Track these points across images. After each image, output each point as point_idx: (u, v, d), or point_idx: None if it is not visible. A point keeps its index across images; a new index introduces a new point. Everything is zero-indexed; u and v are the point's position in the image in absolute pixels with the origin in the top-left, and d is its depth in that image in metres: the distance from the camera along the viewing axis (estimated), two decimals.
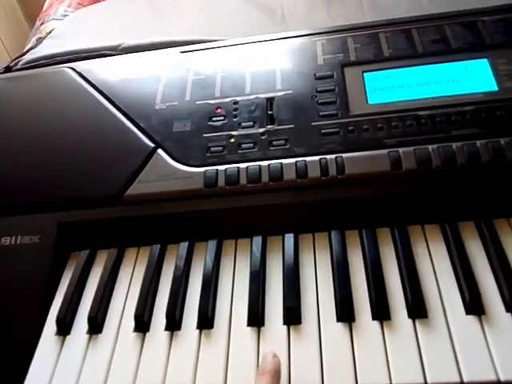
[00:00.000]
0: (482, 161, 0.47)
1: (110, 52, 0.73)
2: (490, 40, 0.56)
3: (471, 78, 0.54)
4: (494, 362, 0.38)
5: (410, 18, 0.62)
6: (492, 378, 0.37)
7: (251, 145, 0.53)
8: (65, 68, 0.66)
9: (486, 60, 0.55)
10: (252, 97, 0.57)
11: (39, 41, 0.88)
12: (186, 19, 0.95)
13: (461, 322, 0.41)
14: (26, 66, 0.73)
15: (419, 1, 0.85)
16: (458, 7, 0.78)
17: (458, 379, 0.37)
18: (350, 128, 0.52)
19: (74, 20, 0.98)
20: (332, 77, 0.56)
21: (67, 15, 1.07)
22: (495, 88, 0.52)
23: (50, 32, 0.91)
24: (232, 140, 0.53)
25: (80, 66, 0.67)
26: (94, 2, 1.16)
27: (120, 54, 0.72)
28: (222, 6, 0.98)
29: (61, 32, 0.92)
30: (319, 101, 0.55)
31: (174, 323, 0.45)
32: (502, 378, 0.37)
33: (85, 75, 0.64)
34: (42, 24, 1.11)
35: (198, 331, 0.44)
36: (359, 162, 0.49)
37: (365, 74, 0.56)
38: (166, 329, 0.45)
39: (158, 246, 0.51)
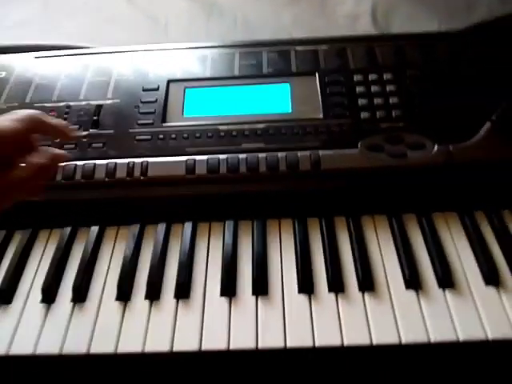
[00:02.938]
0: (260, 171, 0.56)
1: None
2: (296, 67, 0.66)
3: (272, 99, 0.63)
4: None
5: (236, 42, 0.71)
6: (424, 339, 0.45)
7: (73, 145, 0.59)
8: None
9: (287, 84, 0.64)
10: (84, 103, 0.63)
11: None
12: (73, 23, 1.00)
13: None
14: None
15: (283, 23, 0.95)
16: (318, 33, 0.89)
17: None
18: (160, 136, 0.60)
19: None
20: (157, 90, 0.64)
21: None
22: (289, 110, 0.62)
23: None
24: (56, 140, 0.60)
25: None
26: None
27: None
28: (111, 11, 1.04)
29: None
30: (140, 110, 0.62)
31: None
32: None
33: None
34: None
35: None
36: (160, 166, 0.57)
37: (186, 89, 0.64)
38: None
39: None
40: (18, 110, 0.44)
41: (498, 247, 0.53)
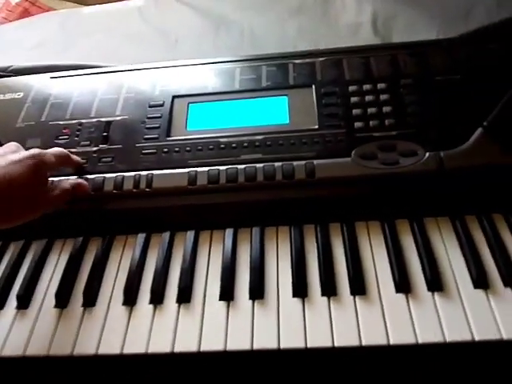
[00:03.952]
0: (257, 181, 0.59)
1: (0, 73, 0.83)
2: (294, 80, 0.69)
3: (271, 111, 0.66)
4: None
5: (237, 57, 0.74)
6: (412, 340, 0.48)
7: (84, 160, 0.64)
8: None
9: (285, 97, 0.67)
10: (94, 120, 0.68)
11: None
12: (90, 41, 1.06)
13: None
14: None
15: (287, 35, 0.98)
16: (321, 42, 0.92)
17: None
18: (164, 150, 0.63)
19: None
20: (162, 105, 0.68)
21: None
22: (287, 121, 0.64)
23: None
24: None
25: None
26: (20, 18, 1.27)
27: (9, 76, 0.83)
28: (126, 29, 1.09)
29: None
30: (147, 126, 0.66)
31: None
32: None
33: None
34: None
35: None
36: (164, 178, 0.61)
37: (190, 104, 0.68)
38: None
39: None
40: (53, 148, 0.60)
41: (488, 251, 0.54)
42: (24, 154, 0.55)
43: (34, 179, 0.54)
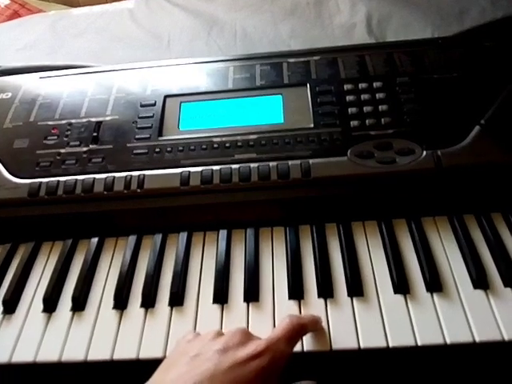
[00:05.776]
0: (252, 181, 0.58)
1: None
2: (288, 79, 0.67)
3: (265, 111, 0.65)
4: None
5: (230, 56, 0.73)
6: (412, 343, 0.46)
7: (73, 161, 0.62)
8: None
9: (280, 96, 0.66)
10: (84, 120, 0.66)
11: None
12: (80, 42, 1.04)
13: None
14: None
15: (281, 35, 0.97)
16: (314, 43, 0.91)
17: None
18: (156, 150, 0.62)
19: None
20: (154, 105, 0.66)
21: None
22: (281, 120, 0.63)
23: None
24: (58, 157, 0.62)
25: None
26: (9, 20, 1.25)
27: None
28: (117, 31, 1.08)
29: None
30: (138, 126, 0.64)
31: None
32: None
33: None
34: None
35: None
36: (156, 178, 0.59)
37: (182, 104, 0.67)
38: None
39: None
40: (287, 324, 0.44)
41: (487, 250, 0.53)
42: (255, 348, 0.40)
43: None
